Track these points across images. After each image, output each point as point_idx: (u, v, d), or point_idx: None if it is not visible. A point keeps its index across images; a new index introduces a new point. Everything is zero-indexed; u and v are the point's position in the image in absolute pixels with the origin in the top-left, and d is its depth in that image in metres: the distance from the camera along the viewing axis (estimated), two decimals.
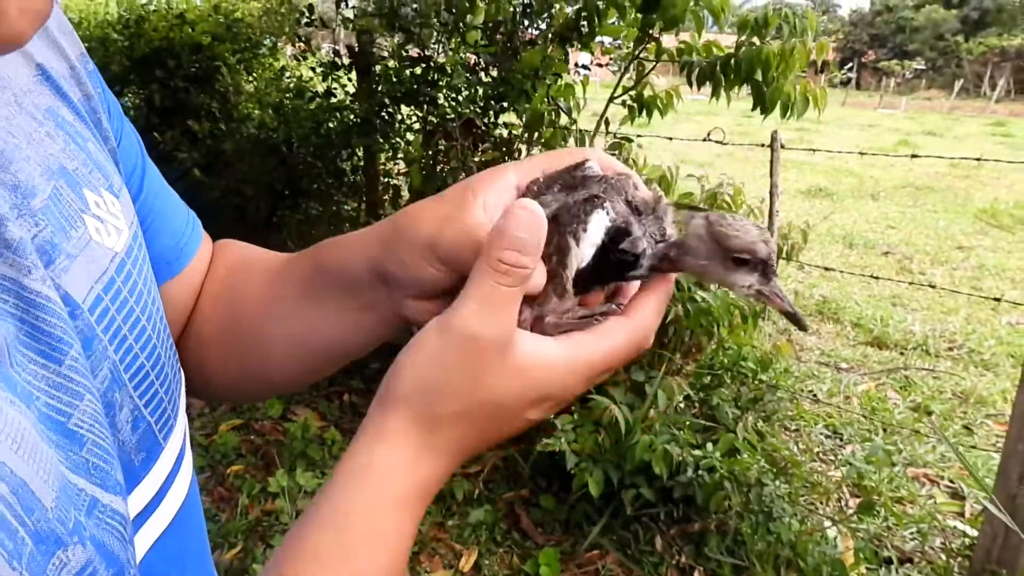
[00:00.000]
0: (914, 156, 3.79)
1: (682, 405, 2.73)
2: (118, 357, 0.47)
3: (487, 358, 0.47)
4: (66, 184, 0.46)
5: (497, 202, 0.54)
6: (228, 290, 0.70)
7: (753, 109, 2.68)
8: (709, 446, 2.61)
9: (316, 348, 0.66)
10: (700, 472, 2.57)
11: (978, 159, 3.38)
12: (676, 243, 0.51)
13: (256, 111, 4.88)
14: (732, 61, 2.63)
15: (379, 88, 3.79)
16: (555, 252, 0.50)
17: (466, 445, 0.50)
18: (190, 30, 5.05)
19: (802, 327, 0.52)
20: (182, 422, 0.56)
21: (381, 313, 0.61)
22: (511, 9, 3.08)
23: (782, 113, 2.63)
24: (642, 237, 0.50)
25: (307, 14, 4.10)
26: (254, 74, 5.11)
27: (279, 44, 5.24)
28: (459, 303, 0.47)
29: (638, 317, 0.52)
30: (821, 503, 3.03)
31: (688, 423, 2.72)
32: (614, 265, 0.51)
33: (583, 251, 0.50)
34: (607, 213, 0.50)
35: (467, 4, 3.03)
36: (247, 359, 0.69)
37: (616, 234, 0.50)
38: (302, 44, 4.31)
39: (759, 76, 2.54)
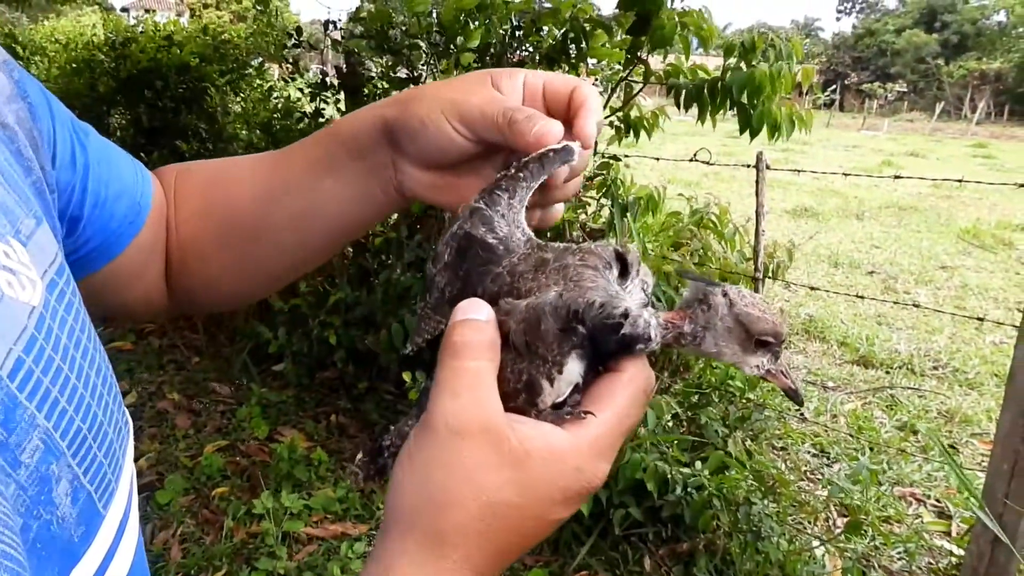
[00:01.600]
0: (897, 177, 3.83)
1: (670, 424, 2.73)
2: (51, 424, 0.41)
3: (477, 450, 0.43)
4: None
5: (509, 92, 0.59)
6: (211, 205, 0.70)
7: (741, 133, 2.71)
8: (698, 464, 2.61)
9: (319, 225, 0.67)
10: (689, 491, 2.57)
11: (960, 180, 3.42)
12: (694, 317, 0.48)
13: (244, 131, 4.89)
14: (719, 85, 2.66)
15: None
16: (524, 390, 0.46)
17: (486, 560, 0.44)
18: (178, 51, 5.06)
19: (799, 403, 0.51)
20: (126, 482, 0.51)
21: (382, 179, 0.63)
22: (501, 32, 3.11)
23: (769, 135, 2.66)
24: (640, 315, 0.46)
25: (295, 36, 4.13)
26: (242, 95, 5.12)
27: (266, 65, 5.26)
28: (431, 402, 0.45)
29: (628, 368, 0.49)
30: (809, 522, 3.03)
31: (677, 441, 2.72)
32: (618, 345, 0.46)
33: (558, 389, 0.46)
34: (582, 350, 0.45)
35: (459, 27, 3.05)
36: (252, 256, 0.70)
37: (603, 329, 0.45)
38: (289, 65, 4.33)
39: (746, 99, 2.57)
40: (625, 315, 0.45)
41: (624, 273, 0.48)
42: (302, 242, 0.69)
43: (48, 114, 0.60)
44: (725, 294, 0.47)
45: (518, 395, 0.46)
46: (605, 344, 0.45)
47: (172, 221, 0.72)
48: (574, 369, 0.45)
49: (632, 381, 0.48)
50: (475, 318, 0.46)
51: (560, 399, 0.46)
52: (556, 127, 0.54)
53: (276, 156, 0.71)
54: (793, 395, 0.50)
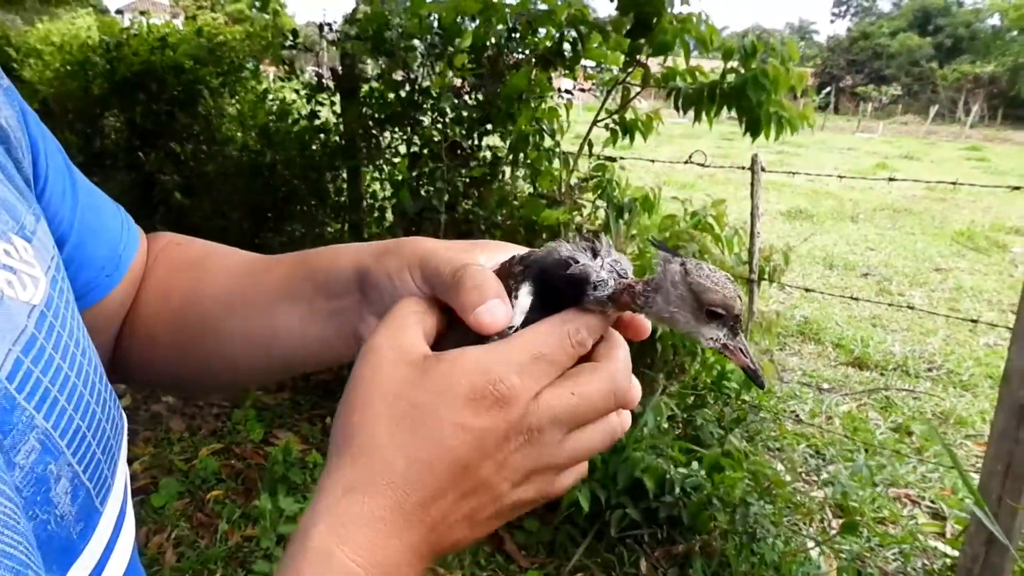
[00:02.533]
0: (892, 179, 3.85)
1: (666, 425, 2.74)
2: (50, 424, 0.42)
3: (386, 362, 0.47)
4: None
5: (498, 261, 0.57)
6: (181, 288, 0.68)
7: (745, 132, 2.71)
8: (695, 464, 2.61)
9: (274, 351, 0.65)
10: (687, 492, 2.57)
11: (954, 183, 3.44)
12: (649, 281, 0.50)
13: (239, 133, 4.88)
14: (718, 89, 2.67)
15: (363, 110, 3.80)
16: None
17: (410, 468, 0.44)
18: (172, 53, 5.05)
19: (760, 385, 0.51)
20: (121, 479, 0.52)
21: (342, 325, 0.60)
22: (499, 32, 3.12)
23: (778, 132, 2.67)
24: (595, 267, 0.50)
25: (291, 38, 4.12)
26: (237, 97, 5.12)
27: (262, 67, 5.25)
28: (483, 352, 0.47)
29: (570, 312, 0.51)
30: (805, 524, 3.04)
31: (674, 443, 2.73)
32: (564, 294, 0.50)
33: (514, 315, 0.50)
34: (533, 283, 0.51)
35: (457, 27, 3.06)
36: (199, 355, 0.67)
37: (552, 266, 0.51)
38: (286, 67, 4.33)
39: (752, 98, 2.57)
40: (574, 259, 0.50)
41: (595, 254, 0.52)
42: (249, 361, 0.66)
43: (40, 130, 0.59)
44: (683, 264, 0.50)
45: None
46: (555, 281, 0.50)
47: (142, 289, 0.70)
48: (526, 298, 0.50)
49: (564, 321, 0.49)
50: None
51: (515, 325, 0.50)
52: (500, 314, 0.48)
53: (253, 265, 0.68)
54: (752, 374, 0.50)
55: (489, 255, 0.56)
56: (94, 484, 0.46)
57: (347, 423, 0.46)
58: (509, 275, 0.52)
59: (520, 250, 0.57)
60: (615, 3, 2.75)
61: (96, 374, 0.49)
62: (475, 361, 0.46)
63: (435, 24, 3.20)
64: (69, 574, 0.42)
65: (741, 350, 0.50)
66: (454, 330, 0.52)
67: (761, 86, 2.55)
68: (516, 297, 0.50)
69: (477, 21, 3.09)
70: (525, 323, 0.50)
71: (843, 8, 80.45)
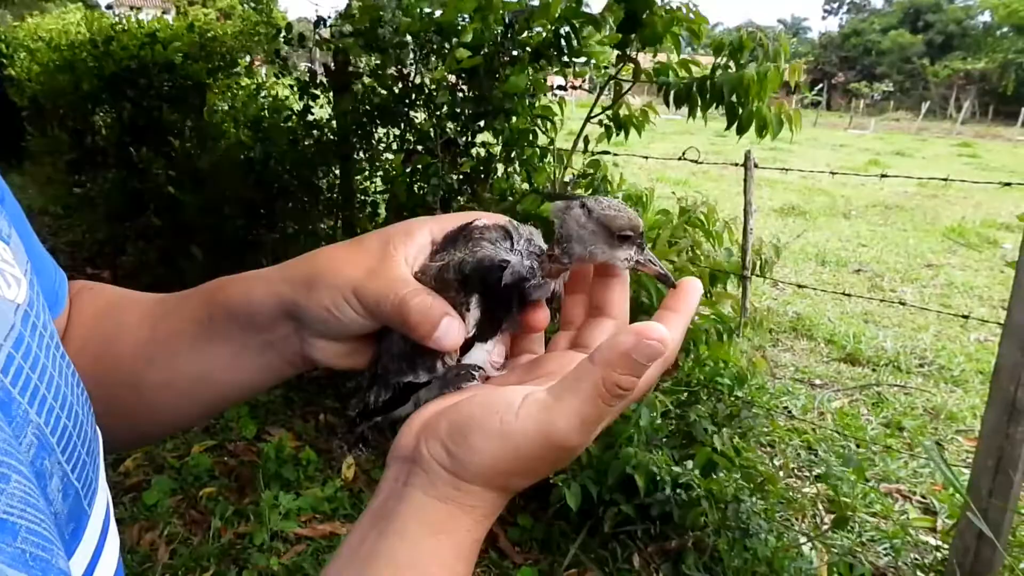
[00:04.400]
0: (884, 176, 3.86)
1: (659, 422, 2.74)
2: (42, 420, 0.42)
3: (570, 455, 0.49)
4: None
5: (416, 257, 0.57)
6: (97, 336, 0.65)
7: (727, 128, 2.72)
8: (688, 463, 2.62)
9: (209, 391, 0.63)
10: (678, 489, 2.58)
11: (946, 179, 3.45)
12: (559, 239, 0.54)
13: (232, 129, 4.86)
14: (708, 83, 2.67)
15: (356, 107, 3.79)
16: None
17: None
18: (162, 48, 5.02)
19: (671, 285, 0.55)
20: (104, 482, 0.51)
21: (282, 352, 0.59)
22: (495, 30, 3.11)
23: (758, 133, 2.68)
24: (519, 263, 0.53)
25: (284, 34, 4.11)
26: (229, 92, 5.09)
27: (254, 63, 5.23)
28: (562, 413, 0.46)
29: (670, 347, 0.51)
30: (797, 519, 3.05)
31: (665, 440, 2.73)
32: (507, 297, 0.54)
33: (469, 325, 0.53)
34: (480, 295, 0.53)
35: (453, 26, 3.05)
36: (124, 409, 0.63)
37: (490, 278, 0.53)
38: (278, 62, 4.31)
39: (735, 99, 2.58)
40: (505, 262, 0.53)
41: (511, 239, 0.56)
42: (175, 409, 0.64)
43: None
44: (583, 204, 0.54)
45: None
46: (493, 287, 0.53)
47: (65, 335, 0.66)
48: (476, 310, 0.53)
49: (594, 379, 0.50)
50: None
51: (471, 334, 0.53)
52: (455, 331, 0.52)
53: (164, 309, 0.65)
54: (664, 279, 0.56)
55: (404, 248, 0.56)
56: (82, 485, 0.46)
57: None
58: (447, 284, 0.53)
59: (425, 231, 0.58)
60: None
61: (74, 378, 0.49)
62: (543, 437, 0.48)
63: (425, 18, 3.19)
64: None
65: (651, 261, 0.55)
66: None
67: (740, 90, 2.55)
68: (468, 310, 0.53)
69: (475, 18, 3.08)
70: (478, 329, 0.54)
71: (835, 4, 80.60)
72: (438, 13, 3.08)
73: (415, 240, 0.57)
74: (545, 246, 0.56)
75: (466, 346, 0.54)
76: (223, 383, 0.63)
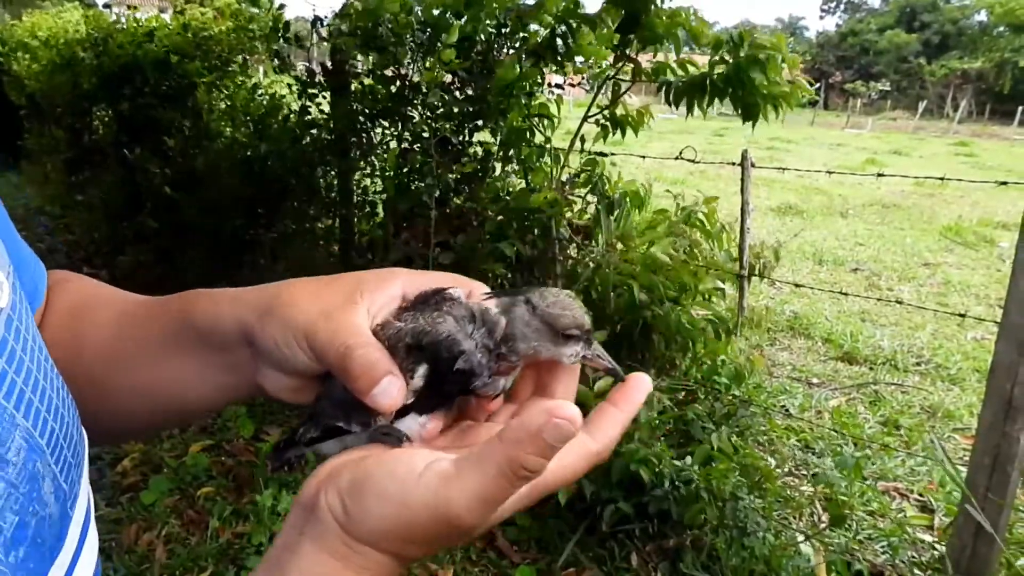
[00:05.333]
0: (881, 175, 3.87)
1: (657, 420, 2.75)
2: (29, 423, 0.42)
3: (467, 532, 0.46)
4: None
5: (382, 308, 0.55)
6: (69, 332, 0.64)
7: (745, 120, 2.71)
8: (688, 459, 2.62)
9: (166, 402, 0.63)
10: (677, 485, 2.58)
11: (942, 178, 3.46)
12: (503, 339, 0.53)
13: (228, 128, 4.86)
14: (708, 80, 2.67)
15: (354, 106, 3.79)
16: None
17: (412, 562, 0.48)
18: (157, 47, 5.01)
19: (620, 378, 0.55)
20: (86, 484, 0.51)
21: (242, 376, 0.59)
22: (488, 29, 3.11)
23: (776, 112, 2.67)
24: (475, 351, 0.52)
25: (281, 33, 4.10)
26: (226, 91, 5.09)
27: (251, 62, 5.22)
28: (462, 488, 0.44)
29: (603, 444, 0.51)
30: (794, 518, 3.06)
31: (664, 438, 2.74)
32: (456, 383, 0.53)
33: (408, 397, 0.52)
34: (428, 360, 0.52)
35: (443, 22, 3.05)
36: (87, 405, 0.61)
37: (442, 356, 0.52)
38: (276, 61, 4.30)
39: (753, 80, 2.57)
40: (461, 351, 0.52)
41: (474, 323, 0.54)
42: (148, 411, 0.65)
43: None
44: (527, 301, 0.53)
45: None
46: (444, 369, 0.52)
47: (42, 328, 0.65)
48: (420, 379, 0.52)
49: (597, 455, 0.51)
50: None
51: (409, 401, 0.52)
52: (394, 392, 0.50)
53: (136, 312, 0.65)
54: (613, 373, 0.55)
55: (371, 297, 0.55)
56: (68, 488, 0.46)
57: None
58: (398, 347, 0.52)
59: (397, 284, 0.57)
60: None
61: (59, 380, 0.49)
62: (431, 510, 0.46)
63: (418, 18, 3.19)
64: None
65: (599, 356, 0.55)
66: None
67: (760, 64, 2.55)
68: (412, 377, 0.52)
69: (465, 17, 3.08)
70: (416, 399, 0.52)
71: (832, 4, 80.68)
72: (423, 11, 3.08)
73: (386, 291, 0.56)
74: (498, 332, 0.54)
75: (402, 412, 0.52)
76: (184, 395, 0.62)
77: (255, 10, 4.83)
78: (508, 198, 3.15)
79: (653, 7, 2.65)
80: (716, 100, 2.72)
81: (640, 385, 0.54)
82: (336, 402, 0.54)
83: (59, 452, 0.45)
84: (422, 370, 0.52)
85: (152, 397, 0.62)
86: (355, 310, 0.53)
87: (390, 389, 0.50)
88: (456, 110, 3.27)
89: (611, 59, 2.94)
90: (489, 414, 0.57)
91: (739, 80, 2.59)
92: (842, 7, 79.20)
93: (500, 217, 3.12)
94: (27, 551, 0.40)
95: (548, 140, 3.16)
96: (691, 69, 2.78)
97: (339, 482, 0.47)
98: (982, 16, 59.72)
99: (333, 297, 0.54)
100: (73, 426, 0.49)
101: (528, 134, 3.13)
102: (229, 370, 0.59)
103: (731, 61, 2.62)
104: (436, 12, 3.09)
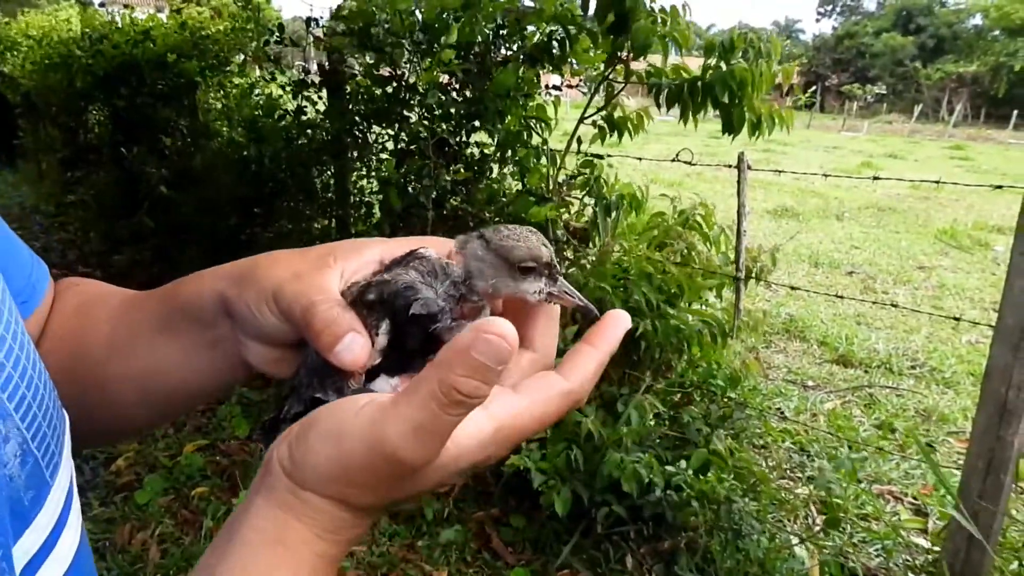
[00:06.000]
0: (876, 178, 3.88)
1: (652, 423, 2.75)
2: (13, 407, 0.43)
3: (411, 474, 0.44)
4: None
5: (355, 272, 0.54)
6: (73, 331, 0.65)
7: (723, 131, 2.72)
8: (682, 463, 2.62)
9: (161, 388, 0.63)
10: (669, 491, 2.58)
11: (938, 182, 3.46)
12: (458, 278, 0.52)
13: (225, 128, 4.85)
14: (699, 84, 2.67)
15: (350, 106, 3.79)
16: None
17: (370, 517, 0.48)
18: (152, 46, 5.01)
19: (594, 316, 0.53)
20: (68, 462, 0.52)
21: (227, 352, 0.59)
22: (486, 31, 3.11)
23: (750, 133, 2.68)
24: (431, 299, 0.51)
25: (277, 33, 4.10)
26: (222, 91, 5.08)
27: (248, 62, 5.21)
28: (395, 417, 0.42)
29: (577, 383, 0.49)
30: (789, 520, 3.06)
31: (659, 441, 2.73)
32: (421, 332, 0.51)
33: (378, 349, 0.51)
34: (391, 320, 0.51)
35: (442, 24, 3.05)
36: (89, 404, 0.63)
37: (399, 305, 0.51)
38: (270, 62, 4.30)
39: (726, 98, 2.59)
40: (415, 292, 0.50)
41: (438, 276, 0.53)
42: (142, 401, 0.64)
43: None
44: (481, 235, 0.52)
45: None
46: (404, 320, 0.50)
47: (46, 330, 0.66)
48: (384, 337, 0.51)
49: (571, 393, 0.49)
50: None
51: (377, 361, 0.51)
52: (358, 349, 0.49)
53: (131, 303, 0.66)
54: (585, 311, 0.52)
55: (344, 262, 0.55)
56: (42, 455, 0.46)
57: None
58: (363, 304, 0.51)
59: (374, 249, 0.56)
60: (592, 10, 2.74)
61: (35, 354, 0.49)
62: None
63: (419, 20, 3.19)
64: (22, 540, 0.43)
65: (567, 293, 0.52)
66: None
67: (728, 87, 2.55)
68: (377, 335, 0.50)
69: (463, 18, 3.08)
70: (385, 359, 0.51)
71: (829, 7, 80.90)
72: (424, 12, 3.08)
73: (361, 256, 0.55)
74: (457, 273, 0.53)
75: (372, 375, 0.51)
76: (174, 380, 0.62)
77: (247, 11, 4.82)
78: (504, 199, 3.15)
79: (639, 11, 2.64)
80: (709, 105, 2.72)
81: (617, 321, 0.52)
82: (310, 369, 0.53)
83: (32, 419, 0.45)
84: (385, 326, 0.51)
85: (144, 384, 0.63)
86: (326, 272, 0.53)
87: (353, 346, 0.49)
88: (453, 111, 3.27)
89: (603, 63, 2.94)
90: None
91: (722, 88, 2.58)
92: (838, 10, 79.42)
93: (497, 219, 3.12)
94: None
95: (545, 142, 3.16)
96: (684, 74, 2.78)
97: (290, 433, 0.46)
98: (977, 20, 59.96)
99: (305, 262, 0.55)
100: (49, 399, 0.49)
101: (525, 135, 3.13)
102: (214, 347, 0.59)
103: (723, 67, 2.63)
104: (436, 13, 3.09)
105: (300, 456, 0.44)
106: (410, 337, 0.51)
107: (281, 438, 0.47)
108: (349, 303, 0.51)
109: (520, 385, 0.49)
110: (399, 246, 0.56)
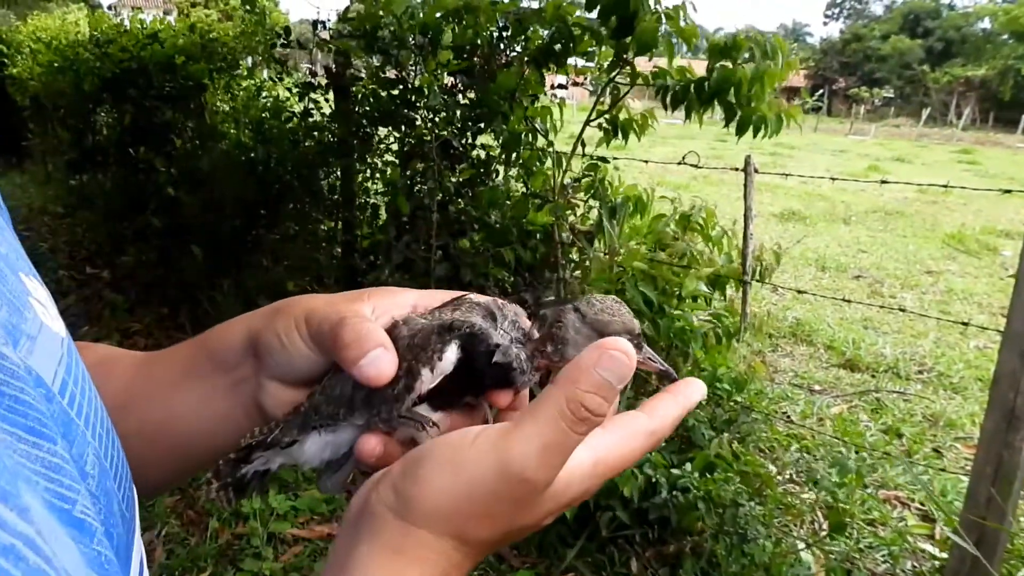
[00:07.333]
0: (884, 182, 3.87)
1: None
2: (96, 443, 0.41)
3: (533, 498, 0.44)
4: (5, 266, 0.41)
5: (388, 309, 0.55)
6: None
7: (726, 126, 2.71)
8: (687, 466, 2.61)
9: (169, 440, 0.61)
10: (675, 493, 2.57)
11: (946, 186, 3.45)
12: (551, 340, 0.53)
13: (232, 130, 4.86)
14: (705, 84, 2.66)
15: (356, 109, 3.79)
16: (405, 375, 0.51)
17: (479, 555, 0.47)
18: (160, 48, 5.03)
19: (672, 379, 0.55)
20: (139, 536, 0.49)
21: (244, 396, 0.58)
22: (488, 33, 3.11)
23: (754, 132, 2.67)
24: (510, 344, 0.52)
25: (283, 36, 4.11)
26: (230, 93, 5.10)
27: (258, 64, 5.23)
28: (521, 437, 0.42)
29: (659, 423, 0.50)
30: (795, 525, 3.05)
31: (664, 444, 2.73)
32: (493, 376, 0.52)
33: (436, 376, 0.51)
34: (460, 342, 0.51)
35: (441, 27, 3.05)
36: None
37: (477, 346, 0.51)
38: (277, 65, 4.31)
39: (732, 98, 2.58)
40: (496, 345, 0.51)
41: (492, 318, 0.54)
42: (149, 455, 0.62)
43: None
44: (576, 308, 0.53)
45: (397, 381, 0.50)
46: (474, 359, 0.51)
47: None
48: (451, 358, 0.51)
49: (653, 434, 0.49)
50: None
51: (432, 386, 0.50)
52: (385, 365, 0.48)
53: (141, 362, 0.65)
54: (665, 375, 0.56)
55: (377, 302, 0.55)
56: (127, 524, 0.44)
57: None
58: (422, 333, 0.52)
59: (409, 295, 0.57)
60: (595, 12, 2.74)
61: (109, 420, 0.48)
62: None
63: (419, 23, 3.20)
64: None
65: (650, 359, 0.55)
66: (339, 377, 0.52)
67: (739, 83, 2.54)
68: (439, 359, 0.50)
69: (464, 20, 3.08)
70: (442, 385, 0.50)
71: (836, 10, 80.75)
72: (426, 14, 3.08)
73: (395, 299, 0.56)
74: (527, 326, 0.55)
75: (414, 404, 0.51)
76: (187, 430, 0.61)
77: (254, 14, 4.84)
78: (508, 203, 3.15)
79: (642, 11, 2.63)
80: (717, 106, 2.71)
81: (695, 385, 0.53)
82: (336, 398, 0.53)
83: (121, 478, 0.44)
84: (452, 353, 0.51)
85: (156, 436, 0.61)
86: (359, 303, 0.54)
87: (380, 360, 0.49)
88: (458, 113, 3.27)
89: (607, 62, 2.94)
90: (500, 409, 0.56)
91: (727, 88, 2.57)
92: (845, 13, 79.28)
93: (500, 223, 3.12)
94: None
95: (551, 144, 3.16)
96: (690, 75, 2.78)
97: (390, 474, 0.45)
98: (985, 23, 59.76)
99: (339, 296, 0.55)
100: (122, 465, 0.47)
101: (530, 136, 3.13)
102: (232, 391, 0.59)
103: (729, 67, 2.62)
104: (437, 16, 3.09)
105: (412, 492, 0.43)
106: (485, 377, 0.52)
107: (377, 479, 0.46)
108: (404, 335, 0.51)
109: (608, 423, 0.49)
110: (432, 297, 0.57)
